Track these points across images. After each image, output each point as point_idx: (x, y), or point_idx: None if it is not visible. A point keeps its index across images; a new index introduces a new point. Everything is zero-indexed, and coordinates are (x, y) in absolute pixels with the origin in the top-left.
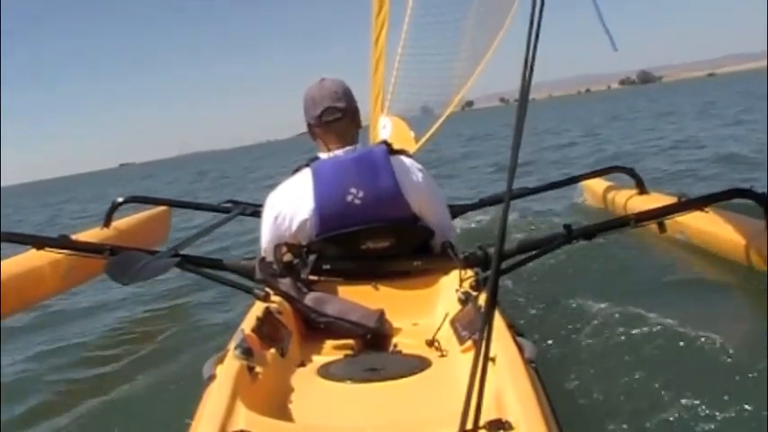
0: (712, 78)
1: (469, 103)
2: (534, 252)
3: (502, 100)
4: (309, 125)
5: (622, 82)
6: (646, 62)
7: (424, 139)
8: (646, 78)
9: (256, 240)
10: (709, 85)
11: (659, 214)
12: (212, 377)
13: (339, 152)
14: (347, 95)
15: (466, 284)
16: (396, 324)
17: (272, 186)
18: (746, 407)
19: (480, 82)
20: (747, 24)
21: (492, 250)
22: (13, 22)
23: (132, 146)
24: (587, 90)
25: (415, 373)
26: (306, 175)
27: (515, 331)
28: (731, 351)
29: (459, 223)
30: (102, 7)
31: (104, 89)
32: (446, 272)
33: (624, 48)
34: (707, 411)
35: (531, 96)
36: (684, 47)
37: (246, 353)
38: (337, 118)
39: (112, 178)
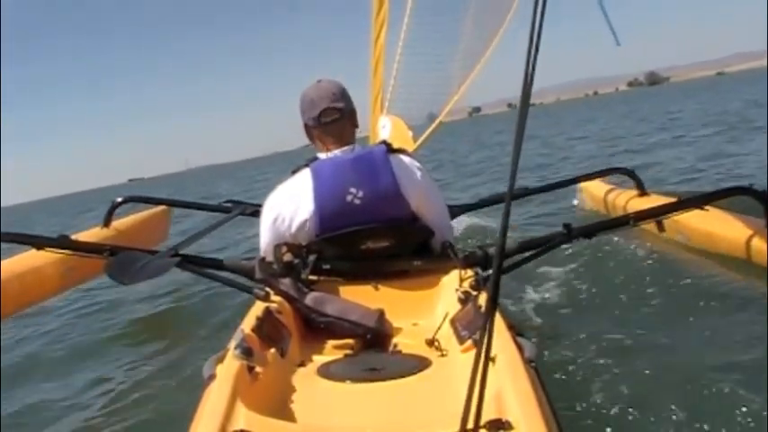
0: (721, 77)
1: (477, 109)
2: (534, 251)
3: (509, 105)
4: (307, 126)
5: (630, 84)
6: (652, 63)
7: (422, 138)
8: (653, 80)
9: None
10: (723, 82)
11: (658, 213)
12: (212, 377)
13: (338, 152)
14: (345, 96)
15: (466, 284)
16: (396, 324)
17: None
18: (747, 408)
19: (487, 88)
20: (751, 23)
21: (492, 250)
22: (14, 39)
23: (140, 161)
24: (595, 93)
25: (415, 372)
26: (305, 176)
27: (515, 331)
28: (731, 352)
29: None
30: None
31: (110, 105)
32: (446, 272)
33: (630, 50)
34: (707, 411)
35: (538, 101)
36: (689, 47)
37: (246, 352)
38: (336, 119)
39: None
